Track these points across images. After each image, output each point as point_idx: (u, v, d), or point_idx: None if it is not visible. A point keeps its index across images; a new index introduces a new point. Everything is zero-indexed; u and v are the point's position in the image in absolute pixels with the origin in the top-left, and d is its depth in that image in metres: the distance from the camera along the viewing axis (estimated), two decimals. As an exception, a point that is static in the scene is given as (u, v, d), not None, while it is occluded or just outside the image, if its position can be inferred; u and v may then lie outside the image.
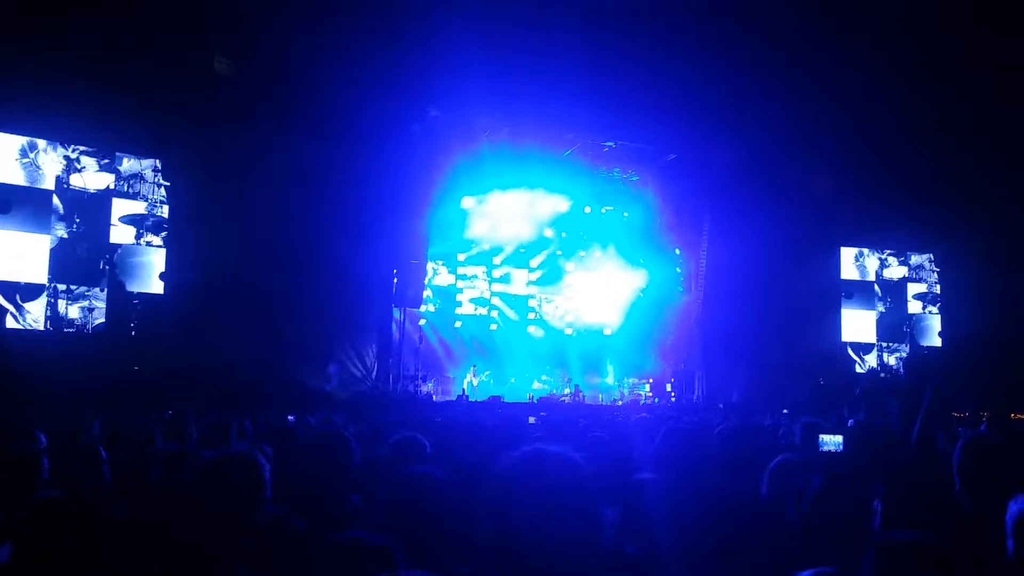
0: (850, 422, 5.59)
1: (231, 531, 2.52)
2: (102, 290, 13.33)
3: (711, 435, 4.17)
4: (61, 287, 12.99)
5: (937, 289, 19.56)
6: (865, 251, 19.43)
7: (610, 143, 17.07)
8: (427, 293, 18.16)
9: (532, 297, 20.79)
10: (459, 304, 20.01)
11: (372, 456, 4.12)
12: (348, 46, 13.04)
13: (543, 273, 20.87)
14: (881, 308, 19.32)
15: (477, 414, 9.47)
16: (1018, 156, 15.59)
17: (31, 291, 12.75)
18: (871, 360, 19.04)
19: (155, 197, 13.83)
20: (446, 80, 13.69)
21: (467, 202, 18.66)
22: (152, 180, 13.82)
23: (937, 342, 19.13)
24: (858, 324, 19.12)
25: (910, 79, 14.18)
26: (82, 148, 13.29)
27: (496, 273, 20.50)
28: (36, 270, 12.80)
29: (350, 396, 14.17)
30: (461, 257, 20.03)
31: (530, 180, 18.51)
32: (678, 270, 19.76)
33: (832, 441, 4.00)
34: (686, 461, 3.60)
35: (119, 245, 13.53)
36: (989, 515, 2.73)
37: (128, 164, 13.67)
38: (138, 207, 13.72)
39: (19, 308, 12.60)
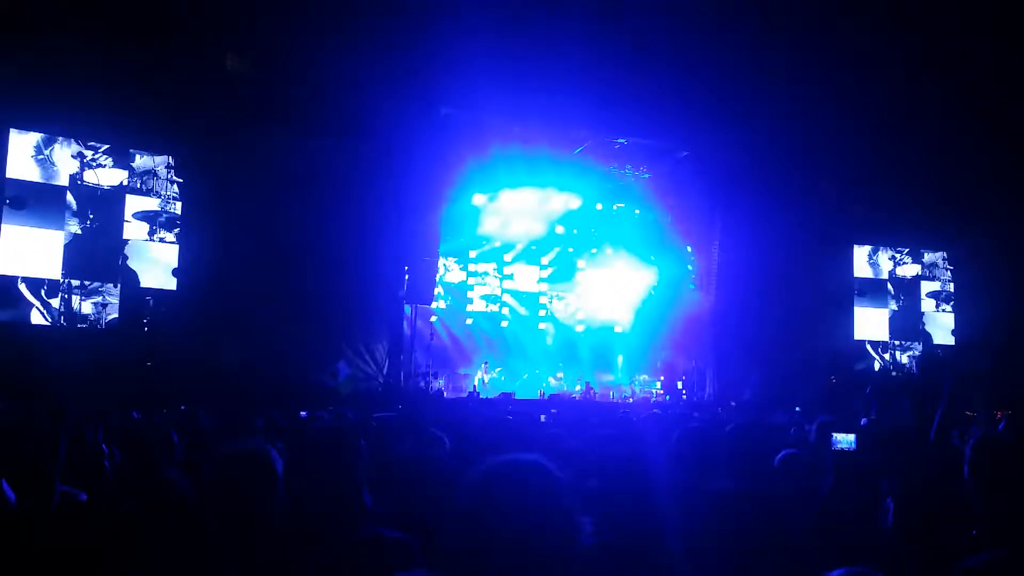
0: (863, 421, 5.58)
1: (244, 527, 2.52)
2: (115, 286, 13.41)
3: (723, 433, 4.16)
4: (75, 283, 13.07)
5: (951, 287, 19.43)
6: (878, 249, 19.33)
7: (621, 140, 17.05)
8: (438, 290, 18.19)
9: (543, 294, 20.80)
10: (470, 301, 20.03)
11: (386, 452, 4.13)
12: (360, 45, 13.08)
13: (554, 270, 20.87)
14: (894, 306, 19.22)
15: (487, 411, 9.48)
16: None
17: (53, 287, 12.84)
18: (884, 358, 18.94)
19: (168, 194, 13.89)
20: (457, 78, 13.70)
21: (478, 199, 18.67)
22: (165, 177, 13.88)
23: (950, 341, 19.02)
24: (871, 322, 19.03)
25: (924, 76, 14.10)
26: (96, 145, 13.36)
27: (507, 270, 20.51)
28: (50, 266, 12.88)
29: (361, 392, 14.21)
30: (473, 254, 20.05)
31: (541, 179, 18.48)
32: (689, 268, 19.72)
33: (845, 440, 3.98)
34: (699, 461, 3.60)
35: (132, 241, 13.60)
36: (1001, 515, 2.71)
37: (141, 161, 13.74)
38: (151, 204, 13.78)
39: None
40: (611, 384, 19.51)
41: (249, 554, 2.48)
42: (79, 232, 13.15)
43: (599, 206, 19.85)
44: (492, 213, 19.34)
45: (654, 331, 19.70)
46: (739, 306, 17.24)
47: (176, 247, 13.86)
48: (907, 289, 19.31)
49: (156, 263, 13.71)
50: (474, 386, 17.36)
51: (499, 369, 18.93)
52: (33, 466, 2.79)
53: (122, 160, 13.59)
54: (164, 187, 13.87)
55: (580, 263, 21.02)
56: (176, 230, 13.92)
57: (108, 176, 13.46)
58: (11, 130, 12.59)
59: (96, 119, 13.03)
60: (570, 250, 20.87)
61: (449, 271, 19.52)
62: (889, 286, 19.25)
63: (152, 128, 13.47)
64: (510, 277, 20.55)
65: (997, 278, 17.59)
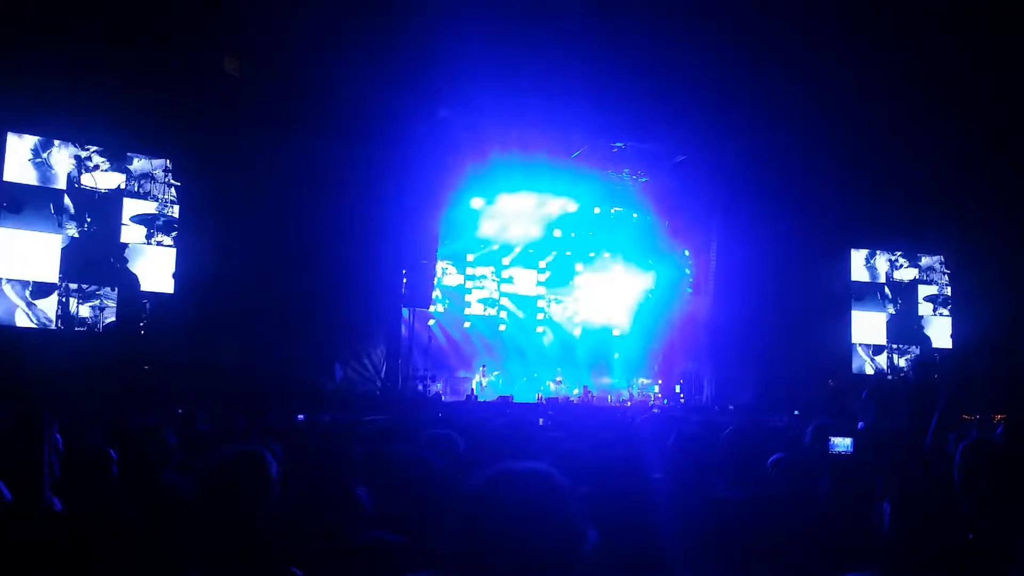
0: (860, 424, 5.57)
1: (239, 531, 2.52)
2: (113, 289, 13.39)
3: (720, 437, 4.17)
4: (72, 286, 13.06)
5: (948, 291, 19.45)
6: (876, 252, 19.34)
7: (619, 144, 17.07)
8: (436, 293, 18.19)
9: (541, 297, 20.80)
10: (468, 304, 20.03)
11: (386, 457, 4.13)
12: (358, 48, 13.07)
13: (552, 274, 20.87)
14: (891, 310, 19.23)
15: (485, 414, 9.48)
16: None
17: (42, 289, 12.81)
18: (880, 362, 18.95)
19: (166, 197, 13.88)
20: (455, 82, 13.72)
21: (476, 202, 18.67)
22: (163, 180, 13.88)
23: (948, 344, 19.04)
24: (868, 326, 19.04)
25: (921, 80, 14.12)
26: (93, 148, 13.35)
27: (505, 274, 20.51)
28: (48, 269, 12.87)
29: (359, 395, 14.21)
30: (470, 257, 20.05)
31: (539, 182, 18.48)
32: (687, 271, 19.75)
33: (842, 443, 3.98)
34: (696, 465, 3.60)
35: (129, 245, 13.59)
36: (991, 518, 2.72)
37: (139, 164, 13.73)
38: (149, 207, 13.77)
39: (30, 305, 12.67)
40: (609, 387, 19.50)
41: (246, 556, 2.47)
42: (76, 235, 13.13)
43: (596, 210, 19.87)
44: (490, 217, 19.35)
45: (652, 334, 19.71)
46: (737, 309, 17.25)
47: (174, 250, 13.85)
48: (904, 293, 19.33)
49: (153, 266, 13.70)
50: (472, 389, 17.35)
51: (497, 372, 18.92)
52: (20, 468, 2.79)
53: (119, 163, 13.58)
54: (161, 190, 13.86)
55: (578, 267, 21.03)
56: (174, 233, 13.90)
57: (105, 179, 13.45)
58: (8, 133, 12.58)
59: (93, 122, 13.02)
60: (568, 254, 20.88)
61: (447, 274, 19.52)
62: (886, 290, 19.27)
63: (149, 131, 13.46)
64: (508, 280, 20.55)
65: (994, 282, 17.61)
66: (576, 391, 18.13)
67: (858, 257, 19.19)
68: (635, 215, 19.99)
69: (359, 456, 3.46)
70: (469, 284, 20.12)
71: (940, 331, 19.28)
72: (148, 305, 13.56)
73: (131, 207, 13.64)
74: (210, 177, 13.86)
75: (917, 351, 18.99)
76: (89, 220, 13.25)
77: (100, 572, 2.33)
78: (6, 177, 12.52)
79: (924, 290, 19.48)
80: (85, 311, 13.13)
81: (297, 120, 13.84)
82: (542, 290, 20.82)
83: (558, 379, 18.58)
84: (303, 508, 2.92)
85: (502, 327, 20.27)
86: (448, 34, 12.46)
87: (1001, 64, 13.24)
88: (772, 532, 3.06)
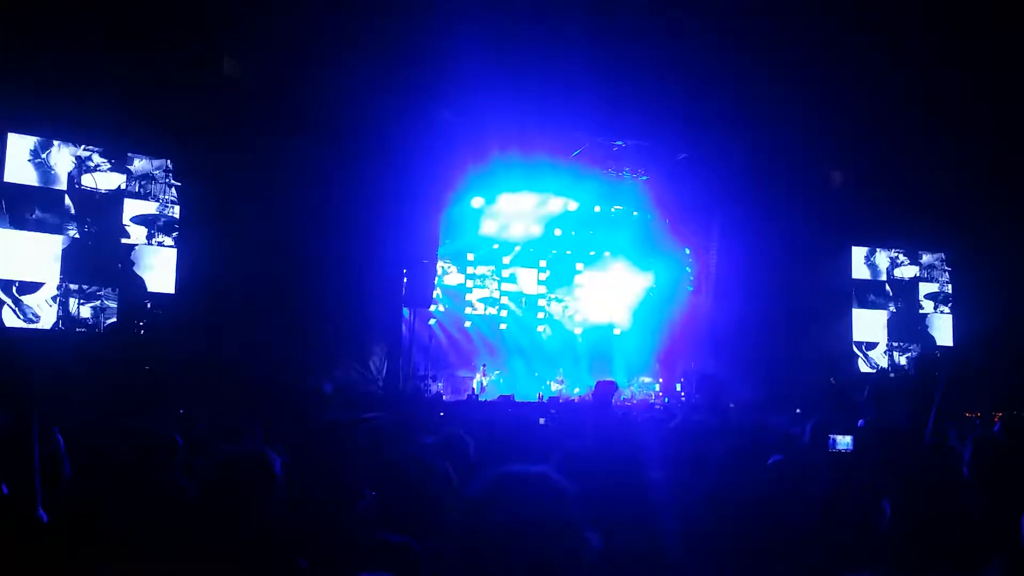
0: (860, 422, 5.58)
1: (244, 531, 2.53)
2: (114, 290, 13.40)
3: (718, 434, 4.17)
4: (73, 287, 13.06)
5: (949, 288, 19.45)
6: (877, 250, 19.35)
7: (619, 143, 17.07)
8: (437, 293, 18.20)
9: (542, 296, 20.79)
10: (469, 304, 20.03)
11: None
12: (358, 49, 13.08)
13: (553, 273, 20.87)
14: (892, 308, 19.23)
15: (487, 414, 9.49)
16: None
17: (29, 287, 12.75)
18: (881, 360, 18.96)
19: (166, 197, 13.89)
20: (455, 81, 13.70)
21: (477, 202, 18.67)
22: (163, 180, 13.88)
23: (949, 342, 19.05)
24: (869, 324, 19.05)
25: (922, 77, 14.12)
26: (93, 148, 13.36)
27: (505, 273, 20.51)
28: (48, 270, 12.87)
29: (360, 395, 14.20)
30: (471, 257, 20.05)
31: (539, 181, 18.47)
32: (688, 269, 19.75)
33: (843, 441, 4.00)
34: (692, 461, 3.61)
35: (130, 245, 13.60)
36: (998, 514, 2.72)
37: (139, 164, 13.74)
38: (149, 207, 13.78)
39: (17, 302, 12.63)
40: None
41: (249, 557, 2.48)
42: (77, 236, 13.13)
43: (597, 208, 19.86)
44: (490, 216, 19.35)
45: (653, 333, 19.71)
46: (738, 307, 17.25)
47: (175, 251, 13.85)
48: (905, 290, 19.33)
49: (155, 267, 13.71)
50: (473, 389, 17.36)
51: (498, 372, 18.92)
52: (11, 472, 2.79)
53: (120, 164, 13.59)
54: (162, 191, 13.87)
55: (578, 265, 21.02)
56: (174, 234, 13.91)
57: (106, 180, 13.45)
58: (9, 133, 12.59)
59: (94, 122, 13.02)
60: (568, 252, 20.87)
61: (447, 274, 19.52)
62: (887, 287, 19.27)
63: (150, 131, 13.46)
64: (508, 280, 20.55)
65: (996, 279, 17.61)
66: (576, 391, 18.13)
67: (859, 254, 19.20)
68: (636, 214, 19.98)
69: (361, 456, 3.47)
70: (470, 283, 20.12)
71: (941, 329, 19.29)
72: (150, 306, 13.56)
73: (132, 207, 13.65)
74: (211, 177, 13.86)
75: (918, 349, 19.00)
76: (89, 221, 13.26)
77: (107, 569, 2.35)
78: (7, 178, 12.53)
79: (925, 288, 19.49)
80: (86, 312, 13.14)
81: (297, 120, 13.84)
82: (543, 289, 20.82)
83: (559, 379, 18.57)
84: (306, 508, 2.93)
85: (503, 326, 20.27)
86: (448, 35, 12.46)
87: (1003, 63, 13.24)
88: (773, 530, 3.07)
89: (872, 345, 18.96)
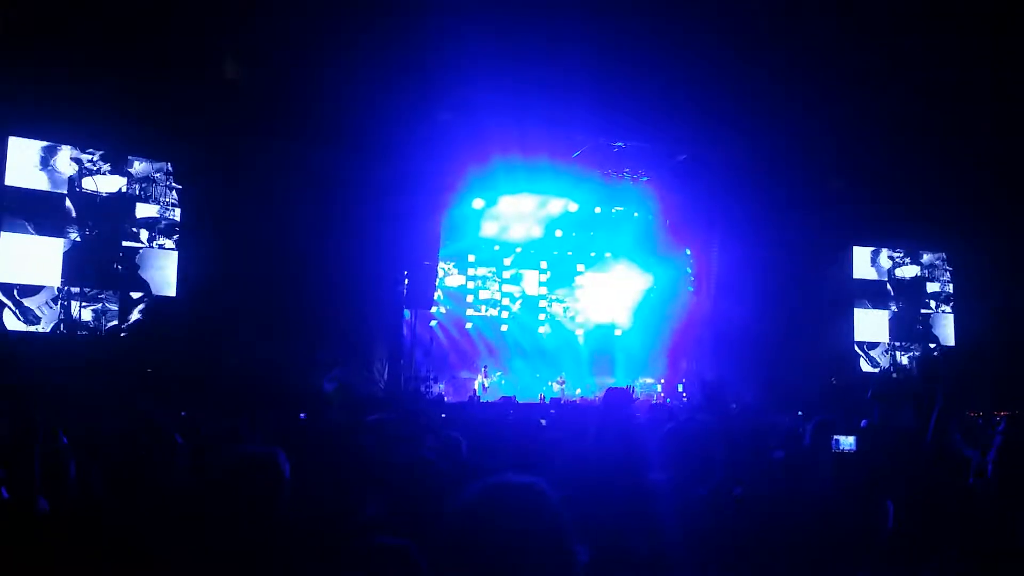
0: (863, 423, 5.58)
1: (251, 533, 2.53)
2: (115, 293, 13.41)
3: (720, 435, 4.16)
4: (74, 290, 13.07)
5: (950, 288, 19.45)
6: (878, 250, 19.34)
7: (620, 144, 17.07)
8: (438, 294, 18.21)
9: (543, 297, 20.80)
10: (470, 305, 20.04)
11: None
12: (358, 50, 13.07)
13: (554, 274, 20.88)
14: (894, 308, 19.23)
15: (489, 415, 9.48)
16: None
17: (29, 289, 12.75)
18: (883, 360, 18.95)
19: (167, 200, 13.90)
20: (455, 83, 13.71)
21: (477, 203, 18.68)
22: (164, 183, 13.89)
23: (951, 342, 19.04)
24: (871, 324, 19.05)
25: (922, 77, 14.11)
26: (94, 151, 13.37)
27: (506, 274, 20.52)
28: (49, 273, 12.87)
29: (361, 398, 14.20)
30: (471, 258, 20.06)
31: (540, 183, 18.47)
32: (688, 270, 19.75)
33: (846, 441, 3.99)
34: (695, 463, 3.60)
35: (131, 248, 13.61)
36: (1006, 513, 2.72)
37: (140, 167, 13.75)
38: (150, 210, 13.79)
39: (18, 304, 12.63)
40: (612, 387, 19.46)
41: (254, 558, 2.48)
42: (78, 239, 13.14)
43: (598, 210, 19.86)
44: (491, 217, 19.36)
45: (654, 333, 19.71)
46: (739, 308, 17.25)
47: (176, 254, 13.86)
48: (907, 290, 19.33)
49: (155, 270, 13.72)
50: (474, 390, 17.37)
51: (499, 373, 18.93)
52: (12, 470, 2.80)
53: (121, 166, 13.60)
54: (163, 193, 13.88)
55: (579, 266, 21.03)
56: (175, 237, 13.92)
57: (106, 183, 13.46)
58: (10, 137, 12.60)
59: (94, 126, 13.04)
60: (569, 253, 20.88)
61: (448, 275, 19.54)
62: (889, 287, 19.27)
63: (151, 134, 13.48)
64: (509, 281, 20.56)
65: (997, 278, 17.61)
66: (578, 392, 18.15)
67: (860, 254, 19.19)
68: (636, 215, 19.99)
69: (364, 458, 3.47)
70: (471, 285, 20.13)
71: (943, 328, 19.28)
72: (151, 308, 13.56)
73: (132, 211, 13.65)
74: (212, 180, 13.88)
75: (920, 349, 19.00)
76: (90, 224, 13.27)
77: (112, 572, 2.34)
78: (8, 181, 12.54)
79: (926, 287, 19.48)
80: (87, 315, 13.15)
81: (298, 123, 13.85)
82: (544, 290, 20.83)
83: (560, 380, 18.57)
84: (307, 511, 2.93)
85: (504, 327, 20.28)
86: (448, 36, 12.46)
87: (1003, 61, 13.24)
88: (776, 531, 3.07)
89: (874, 345, 18.95)
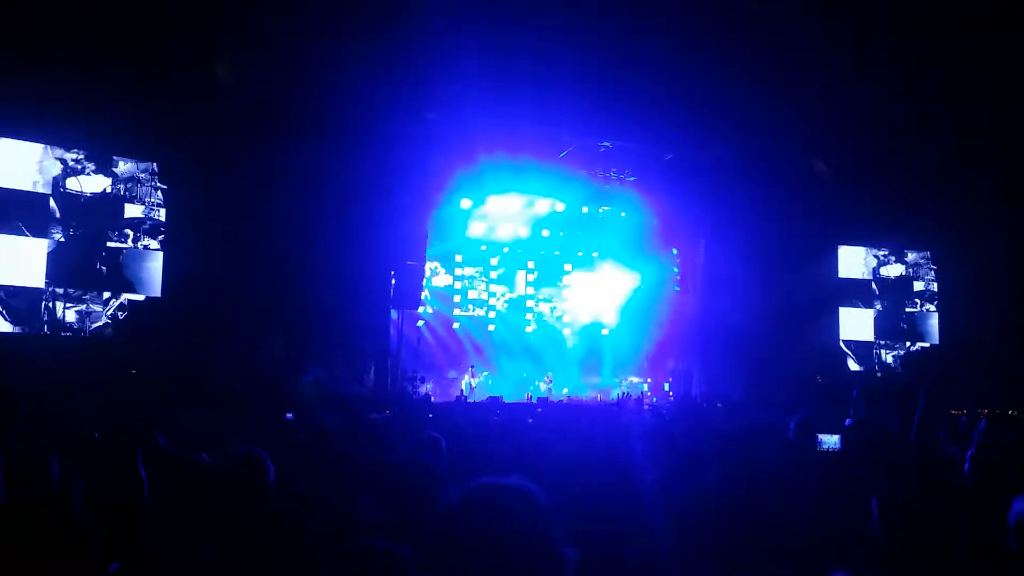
0: (847, 421, 5.61)
1: (238, 533, 2.52)
2: (99, 293, 13.32)
3: (709, 435, 4.18)
4: (59, 291, 12.97)
5: (935, 287, 19.57)
6: (863, 249, 19.44)
7: (607, 144, 17.09)
8: (425, 294, 18.19)
9: (530, 297, 20.82)
10: (457, 305, 20.03)
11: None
12: (345, 50, 13.04)
13: (541, 273, 20.89)
14: (878, 306, 19.33)
15: (476, 415, 9.47)
16: (1014, 153, 15.62)
17: (15, 290, 12.64)
18: (868, 358, 19.05)
19: (152, 200, 13.81)
20: (442, 83, 13.69)
21: (465, 203, 18.67)
22: (150, 183, 13.80)
23: (935, 340, 19.16)
24: (856, 322, 19.14)
25: (907, 77, 14.20)
26: (79, 151, 13.26)
27: (493, 274, 20.52)
28: (33, 273, 12.76)
29: (348, 398, 14.15)
30: (459, 258, 20.05)
31: (527, 183, 18.46)
32: (675, 269, 19.80)
33: (830, 440, 4.01)
34: (681, 461, 3.61)
35: (116, 249, 13.51)
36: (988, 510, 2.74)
37: (125, 167, 13.65)
38: (135, 210, 13.70)
39: (3, 305, 12.52)
40: (599, 386, 19.54)
41: (239, 558, 2.47)
42: (63, 240, 13.04)
43: (585, 209, 19.88)
44: (478, 217, 19.34)
45: (641, 332, 19.76)
46: (725, 307, 17.31)
47: (161, 254, 13.78)
48: (891, 289, 19.44)
49: (140, 270, 13.63)
50: (462, 390, 17.36)
51: (486, 373, 18.93)
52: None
53: (106, 166, 13.50)
54: (148, 194, 13.79)
55: (566, 266, 21.05)
56: (161, 237, 13.84)
57: (91, 183, 13.37)
58: (-7, 137, 12.50)
59: (79, 126, 12.94)
60: (556, 253, 20.90)
61: (436, 275, 19.52)
62: (874, 286, 19.37)
63: (135, 135, 13.39)
64: (496, 281, 20.56)
65: (982, 277, 17.73)
66: (565, 391, 18.17)
67: (846, 253, 19.29)
68: (623, 214, 20.02)
69: (351, 459, 3.46)
70: (458, 285, 20.13)
71: (927, 327, 19.40)
72: (136, 309, 13.48)
73: (117, 211, 13.56)
74: (197, 180, 13.79)
75: (904, 347, 19.11)
76: (75, 224, 13.17)
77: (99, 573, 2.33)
78: (-9, 181, 12.43)
79: (912, 286, 19.60)
80: (71, 316, 13.05)
81: (284, 122, 13.78)
82: (531, 290, 20.85)
83: (548, 379, 18.58)
84: (291, 512, 2.92)
85: (491, 327, 20.28)
86: (435, 36, 12.45)
87: (989, 61, 13.33)
88: (760, 528, 3.08)
89: (859, 343, 19.05)
